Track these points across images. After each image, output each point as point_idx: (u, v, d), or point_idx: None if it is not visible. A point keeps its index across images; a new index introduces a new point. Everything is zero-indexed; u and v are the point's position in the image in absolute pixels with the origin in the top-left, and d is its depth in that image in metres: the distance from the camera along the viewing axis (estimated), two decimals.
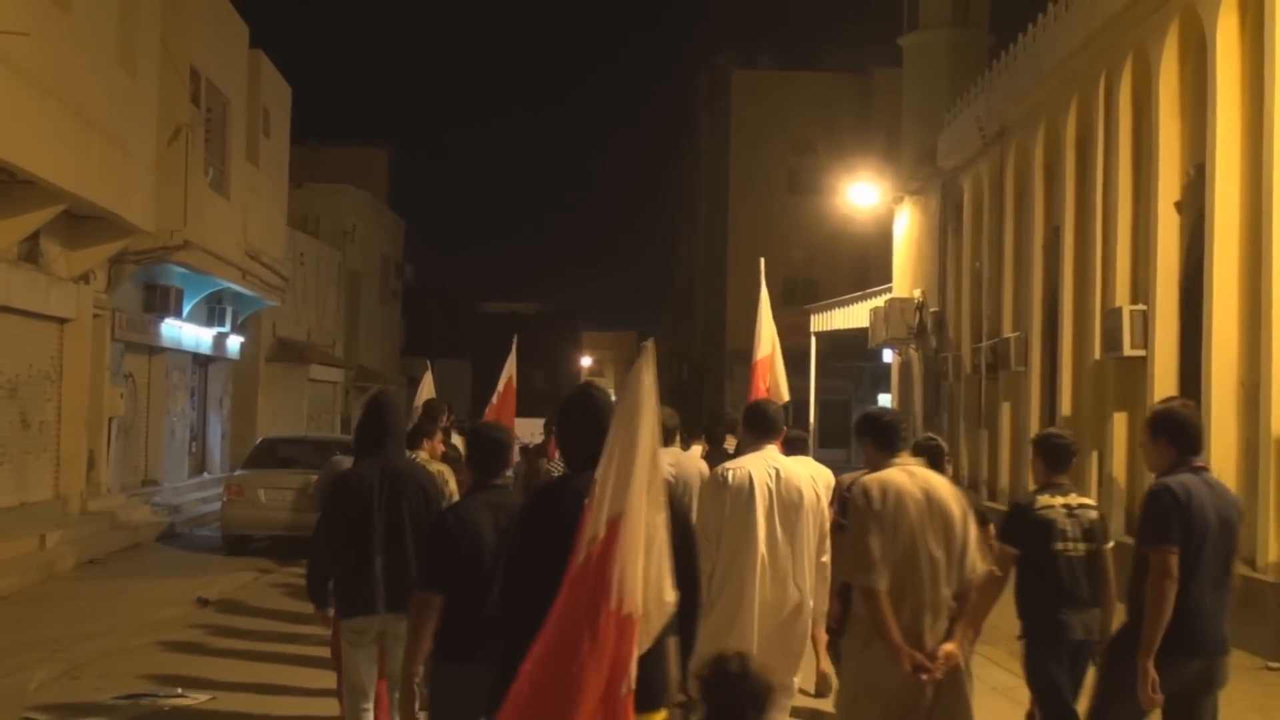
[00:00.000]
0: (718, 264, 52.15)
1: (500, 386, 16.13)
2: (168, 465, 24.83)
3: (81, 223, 17.91)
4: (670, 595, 4.33)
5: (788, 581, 7.34)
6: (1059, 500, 7.01)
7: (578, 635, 4.08)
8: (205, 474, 26.61)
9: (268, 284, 27.41)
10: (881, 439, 6.07)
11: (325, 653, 7.35)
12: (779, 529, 7.31)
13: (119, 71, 17.85)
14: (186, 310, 23.84)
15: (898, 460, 5.97)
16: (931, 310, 25.70)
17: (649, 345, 4.18)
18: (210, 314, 25.84)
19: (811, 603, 7.55)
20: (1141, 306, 15.47)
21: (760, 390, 12.78)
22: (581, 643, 4.06)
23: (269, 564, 16.72)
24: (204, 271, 22.96)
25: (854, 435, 7.84)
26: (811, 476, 7.73)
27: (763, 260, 15.66)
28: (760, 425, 7.62)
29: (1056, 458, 7.13)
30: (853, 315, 31.09)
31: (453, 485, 9.23)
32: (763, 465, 7.47)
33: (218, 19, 23.29)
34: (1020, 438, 20.09)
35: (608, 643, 4.10)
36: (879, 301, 28.48)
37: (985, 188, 22.58)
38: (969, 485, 22.84)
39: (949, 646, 5.65)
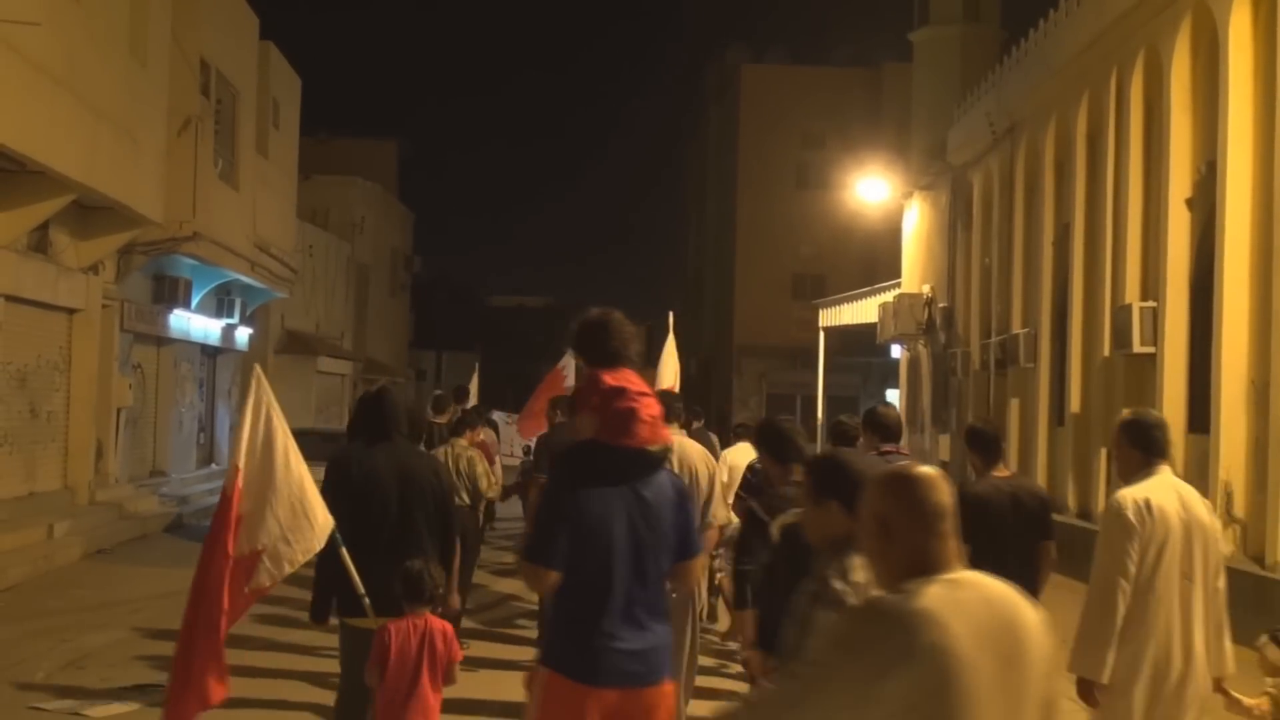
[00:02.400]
0: (726, 258, 52.08)
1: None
2: (175, 456, 24.83)
3: (91, 213, 17.90)
4: (323, 521, 6.20)
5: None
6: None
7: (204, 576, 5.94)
8: (213, 465, 26.61)
9: (276, 276, 27.42)
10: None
11: (332, 641, 7.26)
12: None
13: (129, 62, 17.85)
14: (195, 301, 23.85)
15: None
16: (940, 306, 25.66)
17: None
18: (219, 305, 25.82)
19: None
20: (1151, 303, 15.46)
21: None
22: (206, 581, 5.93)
23: None
24: (213, 263, 22.95)
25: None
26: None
27: (671, 314, 16.53)
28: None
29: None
30: (861, 311, 31.05)
31: (481, 468, 10.87)
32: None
33: (228, 10, 23.28)
34: (1029, 434, 20.07)
35: (224, 580, 5.96)
36: (888, 297, 28.44)
37: (995, 183, 22.53)
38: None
39: None
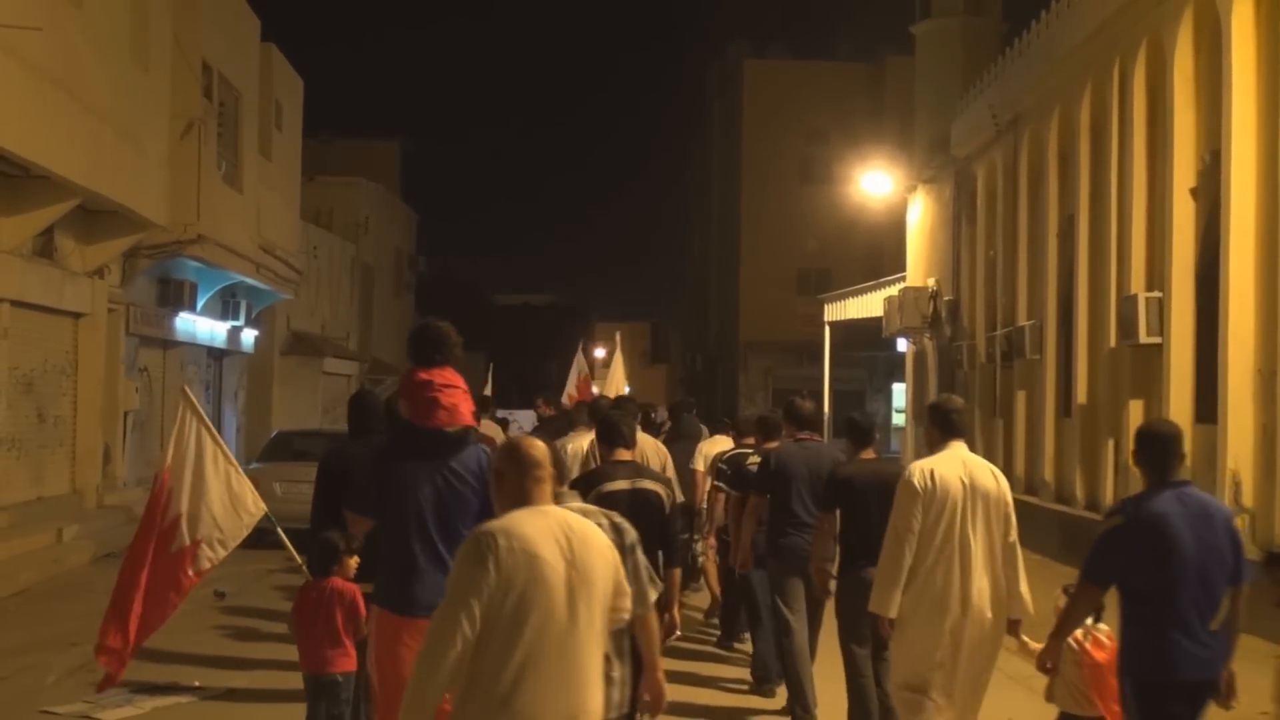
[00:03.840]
0: (731, 254, 52.04)
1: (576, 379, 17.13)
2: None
3: (95, 217, 17.92)
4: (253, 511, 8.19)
5: None
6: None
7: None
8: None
9: (281, 277, 27.43)
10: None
11: None
12: None
13: (131, 66, 17.85)
14: (200, 304, 23.84)
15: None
16: (946, 299, 25.63)
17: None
18: (224, 307, 25.84)
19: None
20: (1157, 294, 15.42)
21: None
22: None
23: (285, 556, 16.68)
24: (218, 265, 22.95)
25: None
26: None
27: (618, 333, 18.19)
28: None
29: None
30: (867, 305, 31.02)
31: None
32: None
33: (229, 13, 23.27)
34: (1035, 427, 20.05)
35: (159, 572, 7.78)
36: (893, 291, 28.41)
37: (999, 176, 22.51)
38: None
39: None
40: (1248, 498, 13.24)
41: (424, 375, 6.25)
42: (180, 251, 21.04)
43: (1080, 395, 18.12)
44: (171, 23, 19.70)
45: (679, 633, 7.50)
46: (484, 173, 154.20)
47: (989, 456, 22.64)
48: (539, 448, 4.52)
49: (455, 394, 6.25)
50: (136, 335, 21.49)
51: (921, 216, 28.41)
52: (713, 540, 11.71)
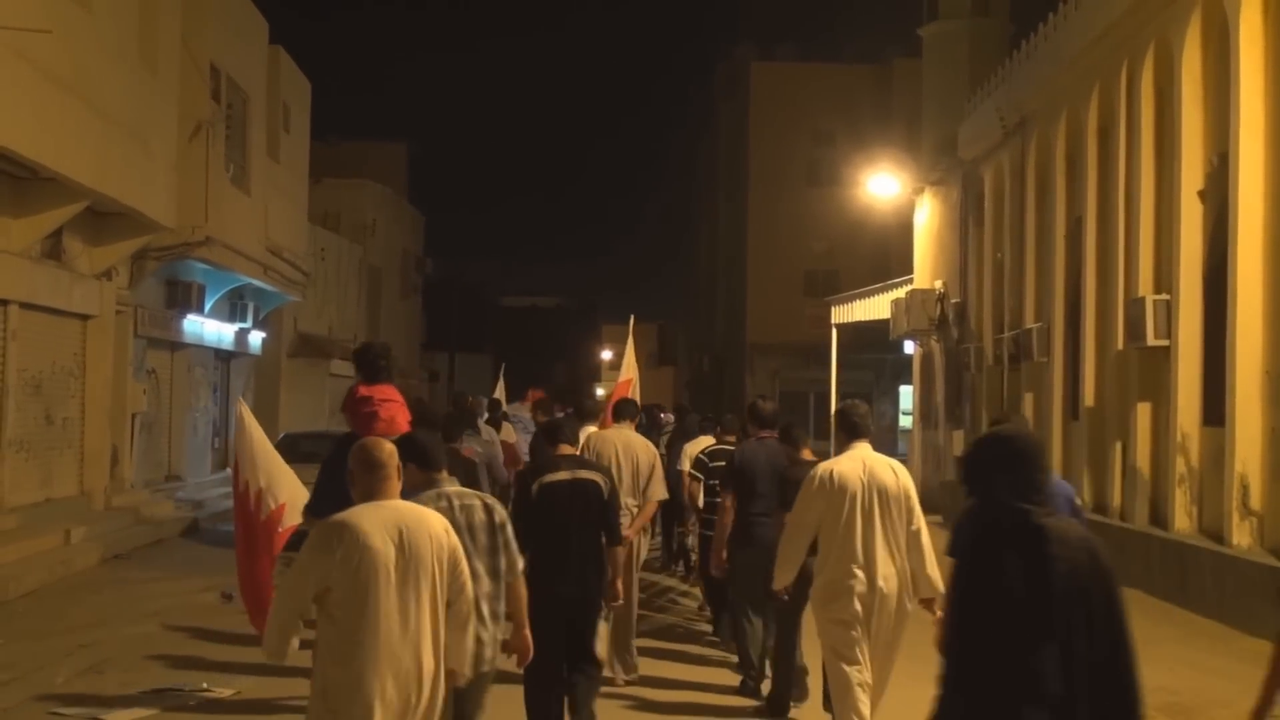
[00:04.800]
0: (738, 256, 52.04)
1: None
2: (190, 461, 24.88)
3: (103, 219, 17.96)
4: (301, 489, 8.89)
5: None
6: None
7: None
8: (228, 469, 26.64)
9: (289, 279, 27.47)
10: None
11: None
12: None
13: (140, 69, 17.91)
14: (208, 306, 23.90)
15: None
16: (953, 301, 25.56)
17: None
18: (232, 309, 25.88)
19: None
20: (1165, 296, 15.33)
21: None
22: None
23: (292, 558, 16.68)
24: (225, 267, 23.00)
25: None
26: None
27: (632, 317, 17.71)
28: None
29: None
30: (874, 307, 30.93)
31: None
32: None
33: (237, 16, 23.33)
34: (1043, 429, 19.98)
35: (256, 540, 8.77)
36: (900, 293, 28.33)
37: (1006, 178, 22.44)
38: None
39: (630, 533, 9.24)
40: (1255, 500, 13.21)
41: (365, 391, 7.45)
42: (188, 253, 21.13)
43: (1088, 398, 18.05)
44: (180, 25, 19.76)
45: (620, 601, 8.25)
46: (490, 174, 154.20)
47: None
48: (385, 450, 5.37)
49: (392, 407, 7.41)
50: (144, 337, 21.57)
51: (929, 218, 28.35)
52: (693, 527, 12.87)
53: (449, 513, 5.93)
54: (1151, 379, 15.92)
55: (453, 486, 6.30)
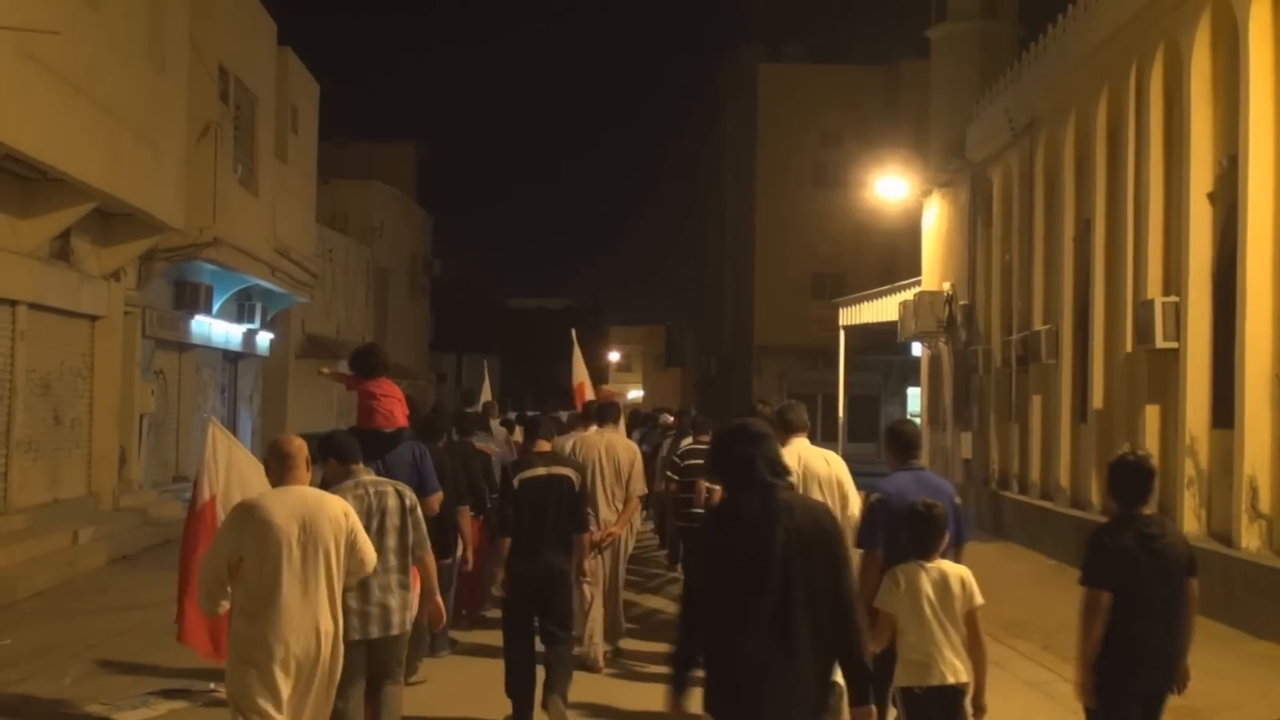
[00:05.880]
0: (745, 258, 52.02)
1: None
2: (198, 462, 24.78)
3: (112, 220, 17.96)
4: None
5: None
6: None
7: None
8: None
9: (297, 280, 27.47)
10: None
11: None
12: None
13: (148, 69, 17.90)
14: (216, 307, 23.88)
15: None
16: (961, 303, 25.51)
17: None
18: (240, 311, 25.88)
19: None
20: (1174, 298, 15.28)
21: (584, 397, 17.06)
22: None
23: None
24: (233, 268, 23.00)
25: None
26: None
27: (574, 330, 18.98)
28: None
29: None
30: (881, 309, 30.93)
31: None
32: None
33: (245, 17, 23.33)
34: (1051, 431, 19.94)
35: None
36: (908, 295, 28.28)
37: (1015, 180, 22.38)
38: (999, 480, 22.72)
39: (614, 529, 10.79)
40: (1265, 503, 13.16)
41: (369, 386, 8.64)
42: (196, 254, 21.10)
43: (1096, 400, 17.99)
44: (188, 26, 19.75)
45: (589, 579, 10.01)
46: (497, 175, 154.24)
47: (1003, 461, 22.72)
48: (293, 444, 6.40)
49: (390, 402, 8.61)
50: (152, 338, 21.54)
51: (937, 220, 28.30)
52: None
53: (364, 499, 7.04)
54: (1160, 381, 15.85)
55: (368, 476, 7.28)
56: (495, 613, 11.53)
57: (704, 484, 10.75)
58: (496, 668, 8.90)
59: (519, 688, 8.58)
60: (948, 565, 6.52)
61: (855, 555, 6.84)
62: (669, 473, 13.00)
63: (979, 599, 6.43)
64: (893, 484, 7.37)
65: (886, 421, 49.55)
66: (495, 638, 10.47)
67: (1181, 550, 6.35)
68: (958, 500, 7.49)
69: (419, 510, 7.30)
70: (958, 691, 6.31)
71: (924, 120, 30.05)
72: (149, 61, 17.93)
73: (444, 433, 11.46)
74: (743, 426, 5.10)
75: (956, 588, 6.39)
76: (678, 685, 4.84)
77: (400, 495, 7.22)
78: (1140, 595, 6.13)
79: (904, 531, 6.63)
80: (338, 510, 6.33)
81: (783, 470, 4.92)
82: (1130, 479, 6.36)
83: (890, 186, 29.36)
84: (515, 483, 8.77)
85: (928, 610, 6.35)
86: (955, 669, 6.29)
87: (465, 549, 10.58)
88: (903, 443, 7.62)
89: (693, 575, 5.17)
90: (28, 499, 16.62)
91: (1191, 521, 14.64)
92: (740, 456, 4.92)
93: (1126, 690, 6.14)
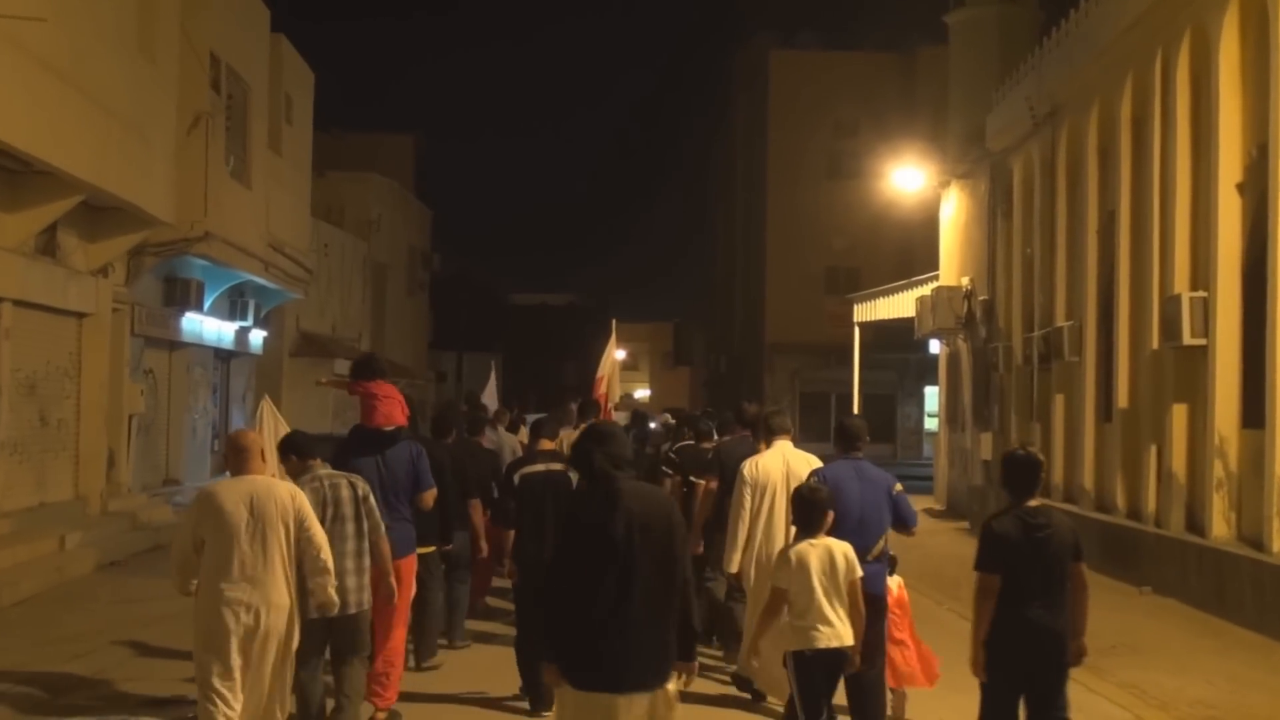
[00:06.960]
0: (756, 252, 51.57)
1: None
2: (189, 464, 24.70)
3: (100, 214, 17.84)
4: None
5: None
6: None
7: None
8: (227, 473, 26.27)
9: (291, 276, 27.30)
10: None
11: None
12: None
13: (137, 58, 17.83)
14: (208, 304, 23.80)
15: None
16: (980, 299, 25.32)
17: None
18: (232, 307, 25.69)
19: None
20: (1202, 293, 15.08)
21: (601, 393, 17.68)
22: None
23: None
24: (225, 263, 22.82)
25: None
26: None
27: (614, 321, 19.16)
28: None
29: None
30: (898, 304, 30.60)
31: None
32: None
33: (238, 3, 23.28)
34: (1075, 431, 19.73)
35: None
36: (925, 290, 28.08)
37: (1036, 170, 22.17)
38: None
39: None
40: None
41: (370, 389, 9.33)
42: (187, 249, 20.95)
43: (1121, 399, 17.78)
44: (179, 13, 19.64)
45: None
46: (501, 170, 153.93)
47: None
48: (248, 439, 7.53)
49: (389, 403, 9.30)
50: (142, 336, 21.46)
51: (955, 212, 28.02)
52: None
53: (319, 490, 8.02)
54: (1188, 379, 15.62)
55: (324, 470, 8.27)
56: (496, 602, 13.20)
57: (705, 481, 11.13)
58: (502, 653, 10.10)
59: (530, 666, 9.25)
60: (832, 542, 7.26)
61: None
62: (665, 469, 13.20)
63: (859, 571, 7.27)
64: (830, 471, 8.29)
65: (903, 422, 49.62)
66: (495, 626, 12.26)
67: (1067, 537, 6.87)
68: (898, 488, 8.26)
69: (371, 499, 8.26)
70: (842, 655, 7.17)
71: (942, 109, 29.80)
72: (138, 49, 17.80)
73: (453, 429, 12.17)
74: (593, 427, 5.95)
75: (841, 562, 7.19)
76: (552, 655, 5.50)
77: (353, 486, 8.20)
78: (1024, 579, 6.70)
79: (793, 511, 7.50)
80: (284, 495, 7.30)
81: (624, 463, 5.66)
82: (1020, 473, 7.01)
83: (907, 178, 29.19)
84: (516, 479, 9.56)
85: (816, 583, 7.13)
86: (839, 635, 7.12)
87: (479, 539, 11.58)
88: (846, 435, 8.47)
89: (557, 554, 5.74)
90: (13, 502, 16.42)
91: (1220, 525, 14.56)
92: (583, 451, 5.70)
93: (1012, 666, 6.72)
